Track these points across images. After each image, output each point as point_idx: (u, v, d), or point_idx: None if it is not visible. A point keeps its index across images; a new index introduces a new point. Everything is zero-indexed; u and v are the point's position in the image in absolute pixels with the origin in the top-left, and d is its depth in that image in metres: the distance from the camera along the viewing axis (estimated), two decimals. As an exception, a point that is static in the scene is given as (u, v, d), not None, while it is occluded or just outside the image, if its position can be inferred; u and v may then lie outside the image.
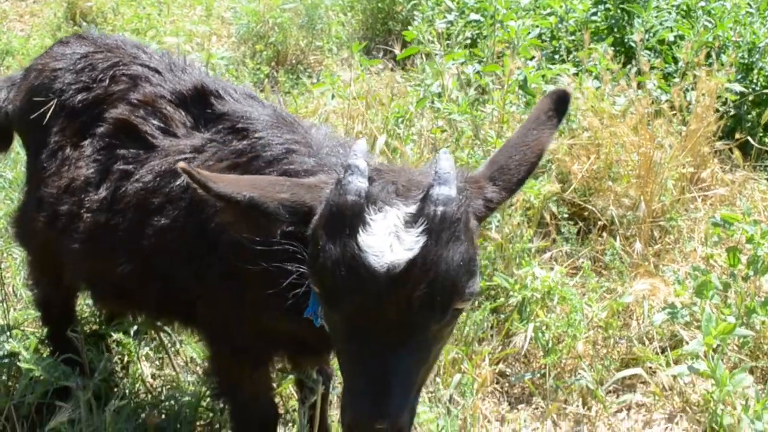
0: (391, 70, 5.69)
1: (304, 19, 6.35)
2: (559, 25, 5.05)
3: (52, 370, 2.23)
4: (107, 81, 2.27)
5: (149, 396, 2.70)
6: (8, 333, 2.59)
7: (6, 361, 2.58)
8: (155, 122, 2.14)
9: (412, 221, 1.41)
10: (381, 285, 1.37)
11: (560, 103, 1.73)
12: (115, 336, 2.84)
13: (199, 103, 2.15)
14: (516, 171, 1.63)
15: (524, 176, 1.64)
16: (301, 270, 1.66)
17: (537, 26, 4.90)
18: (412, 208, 1.43)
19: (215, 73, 5.29)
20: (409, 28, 4.69)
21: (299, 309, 1.81)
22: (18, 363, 2.33)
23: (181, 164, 1.47)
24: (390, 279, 1.37)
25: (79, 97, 2.28)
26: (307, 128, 2.04)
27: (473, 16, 5.27)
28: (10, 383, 2.57)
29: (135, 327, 2.87)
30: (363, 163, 1.48)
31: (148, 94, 2.19)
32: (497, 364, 2.93)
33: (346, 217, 1.42)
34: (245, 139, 1.98)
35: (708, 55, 4.33)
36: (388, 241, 1.39)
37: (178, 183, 2.01)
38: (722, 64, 4.29)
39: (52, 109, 2.26)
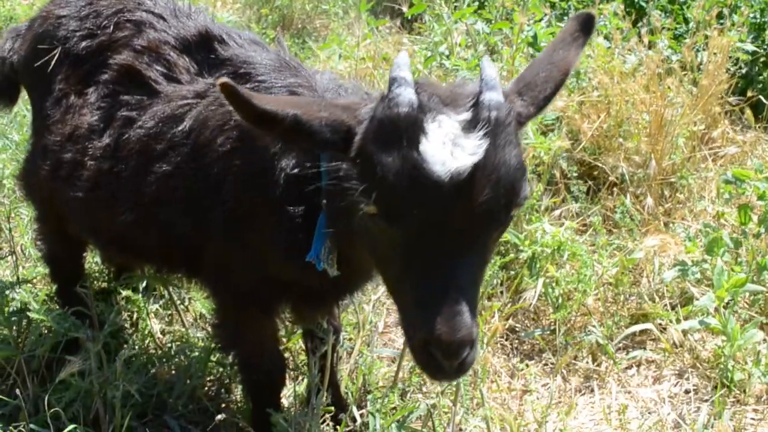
0: (398, 31, 5.63)
1: (310, -19, 6.28)
2: (569, -15, 4.98)
3: (63, 322, 2.22)
4: (111, 27, 2.23)
5: (159, 351, 2.69)
6: (18, 287, 2.58)
7: (15, 317, 2.57)
8: (159, 68, 2.11)
9: (469, 127, 1.42)
10: (446, 193, 1.37)
11: (586, 24, 1.75)
12: (124, 293, 2.83)
13: (203, 49, 2.12)
14: (543, 88, 1.64)
15: (551, 93, 1.65)
16: (300, 214, 1.70)
17: (546, -14, 4.85)
18: (467, 115, 1.44)
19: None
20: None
21: (302, 253, 1.81)
22: (28, 314, 2.32)
23: (223, 79, 1.42)
24: (454, 186, 1.37)
25: (84, 44, 2.24)
26: (311, 73, 2.02)
27: (481, -23, 5.21)
28: (19, 339, 2.57)
29: (144, 283, 2.87)
30: (409, 74, 1.47)
31: (152, 39, 2.16)
32: (507, 319, 2.92)
33: (401, 130, 1.41)
34: (248, 82, 1.95)
35: (720, 15, 4.27)
36: (448, 148, 1.39)
37: (180, 128, 2.00)
38: (734, 24, 4.23)
39: (56, 57, 2.23)
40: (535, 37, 3.71)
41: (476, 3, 5.39)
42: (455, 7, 4.81)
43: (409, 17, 4.95)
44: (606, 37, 4.18)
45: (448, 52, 4.03)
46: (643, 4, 4.65)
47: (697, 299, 2.88)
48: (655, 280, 3.04)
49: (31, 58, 2.34)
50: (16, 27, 2.70)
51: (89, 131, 2.15)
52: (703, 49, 4.25)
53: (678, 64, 4.06)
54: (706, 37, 4.13)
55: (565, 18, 4.93)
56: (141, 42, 2.16)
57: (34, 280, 2.97)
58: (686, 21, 4.68)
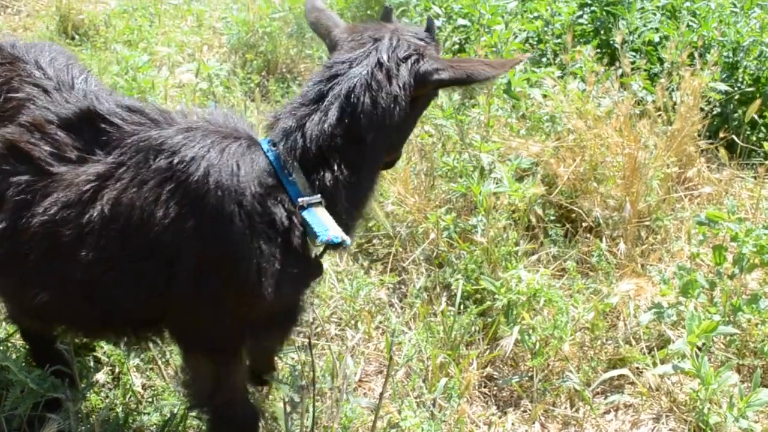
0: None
1: (293, 27, 6.38)
2: (545, 29, 5.08)
3: (42, 383, 2.24)
4: (1, 98, 2.15)
5: (140, 405, 2.71)
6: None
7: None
8: (47, 148, 2.02)
9: None
10: None
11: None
12: (105, 347, 2.86)
13: (90, 128, 2.05)
14: None
15: None
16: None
17: (524, 30, 4.94)
18: None
19: (210, 85, 5.35)
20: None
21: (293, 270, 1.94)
22: (8, 376, 2.34)
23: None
24: None
25: None
26: (194, 115, 2.09)
27: (460, 21, 5.31)
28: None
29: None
30: None
31: (37, 117, 2.06)
32: (485, 367, 2.95)
33: None
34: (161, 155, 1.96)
35: (692, 55, 4.36)
36: None
37: (95, 214, 1.94)
38: (706, 63, 4.32)
39: None
40: (509, 83, 3.79)
41: (456, 46, 5.50)
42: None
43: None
44: (582, 80, 4.26)
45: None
46: (617, 46, 4.73)
47: (674, 342, 2.92)
48: (632, 324, 3.08)
49: None
50: None
51: None
52: (677, 89, 4.34)
53: (652, 105, 4.14)
54: (680, 76, 4.22)
55: (543, 60, 5.02)
56: (26, 118, 2.06)
57: (12, 339, 2.98)
58: (660, 61, 4.78)
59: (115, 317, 2.10)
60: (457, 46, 5.46)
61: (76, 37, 8.52)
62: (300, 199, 1.91)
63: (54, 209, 1.95)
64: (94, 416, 2.39)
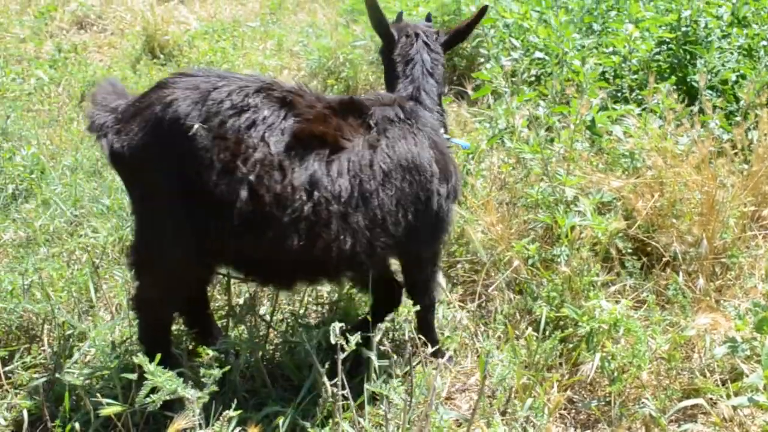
0: (457, 100, 5.94)
1: (373, 55, 6.66)
2: (623, 65, 5.23)
3: (172, 382, 2.49)
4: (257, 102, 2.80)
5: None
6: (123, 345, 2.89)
7: (123, 374, 2.85)
8: (332, 130, 2.73)
9: None
10: None
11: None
12: (211, 353, 3.11)
13: (353, 111, 2.87)
14: None
15: None
16: None
17: (600, 64, 5.11)
18: None
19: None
20: (482, 69, 4.93)
21: None
22: (144, 375, 2.59)
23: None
24: None
25: (238, 119, 2.66)
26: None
27: (538, 54, 5.50)
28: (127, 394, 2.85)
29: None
30: None
31: (317, 110, 2.76)
32: (565, 390, 3.12)
33: None
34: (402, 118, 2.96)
35: (770, 96, 4.46)
36: None
37: (377, 163, 2.75)
38: (783, 104, 4.41)
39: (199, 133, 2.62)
40: (592, 121, 3.96)
41: (533, 78, 5.69)
42: (512, 81, 5.11)
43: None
44: (661, 117, 4.41)
45: (509, 128, 4.31)
46: (695, 84, 4.86)
47: (747, 375, 3.05)
48: (707, 356, 3.21)
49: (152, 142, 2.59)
50: (115, 107, 2.73)
51: (316, 187, 2.63)
52: (754, 128, 4.45)
53: (729, 143, 4.26)
54: (757, 116, 4.34)
55: (618, 95, 5.18)
56: (307, 114, 2.70)
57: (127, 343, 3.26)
58: (737, 100, 4.89)
59: (359, 255, 2.75)
60: (534, 78, 5.65)
61: (161, 56, 8.94)
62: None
63: (349, 167, 2.67)
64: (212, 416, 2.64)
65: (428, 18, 3.52)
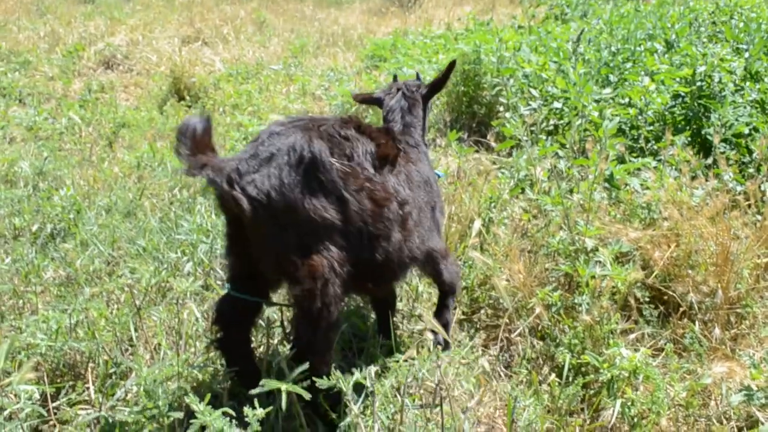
0: (478, 148, 6.14)
1: (396, 102, 6.88)
2: (638, 117, 5.42)
3: (220, 421, 2.64)
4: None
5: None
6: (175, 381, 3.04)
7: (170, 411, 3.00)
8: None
9: None
10: None
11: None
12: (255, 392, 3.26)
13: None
14: None
15: None
16: None
17: (617, 115, 5.30)
18: None
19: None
20: (500, 118, 5.12)
21: None
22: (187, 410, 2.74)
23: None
24: None
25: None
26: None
27: (556, 105, 5.70)
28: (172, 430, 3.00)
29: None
30: None
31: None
32: (587, 434, 3.25)
33: None
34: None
35: (781, 149, 4.63)
36: None
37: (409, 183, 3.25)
38: (794, 159, 4.58)
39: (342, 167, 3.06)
40: (611, 174, 4.14)
41: (551, 126, 5.88)
42: (531, 130, 5.30)
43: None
44: (676, 168, 4.59)
45: (530, 178, 4.49)
46: (709, 137, 5.04)
47: (762, 423, 3.18)
48: (723, 404, 3.34)
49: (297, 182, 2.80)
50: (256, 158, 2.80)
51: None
52: (767, 180, 4.61)
53: (743, 195, 4.42)
54: (769, 169, 4.51)
55: (635, 145, 5.36)
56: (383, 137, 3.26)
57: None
58: (750, 152, 5.06)
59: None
60: (552, 127, 5.85)
61: (188, 97, 9.19)
62: None
63: (407, 178, 3.23)
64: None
65: (417, 76, 4.19)
